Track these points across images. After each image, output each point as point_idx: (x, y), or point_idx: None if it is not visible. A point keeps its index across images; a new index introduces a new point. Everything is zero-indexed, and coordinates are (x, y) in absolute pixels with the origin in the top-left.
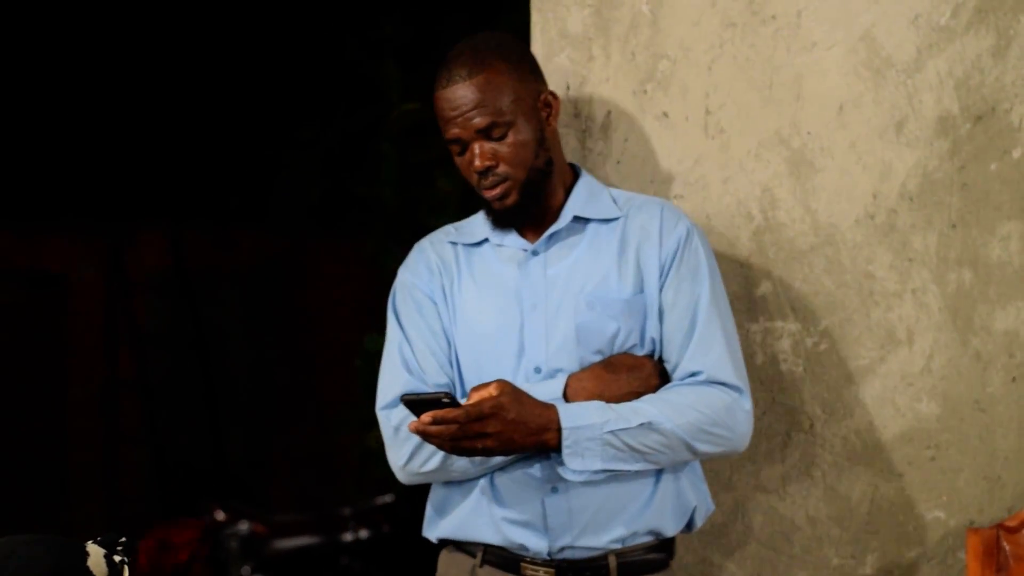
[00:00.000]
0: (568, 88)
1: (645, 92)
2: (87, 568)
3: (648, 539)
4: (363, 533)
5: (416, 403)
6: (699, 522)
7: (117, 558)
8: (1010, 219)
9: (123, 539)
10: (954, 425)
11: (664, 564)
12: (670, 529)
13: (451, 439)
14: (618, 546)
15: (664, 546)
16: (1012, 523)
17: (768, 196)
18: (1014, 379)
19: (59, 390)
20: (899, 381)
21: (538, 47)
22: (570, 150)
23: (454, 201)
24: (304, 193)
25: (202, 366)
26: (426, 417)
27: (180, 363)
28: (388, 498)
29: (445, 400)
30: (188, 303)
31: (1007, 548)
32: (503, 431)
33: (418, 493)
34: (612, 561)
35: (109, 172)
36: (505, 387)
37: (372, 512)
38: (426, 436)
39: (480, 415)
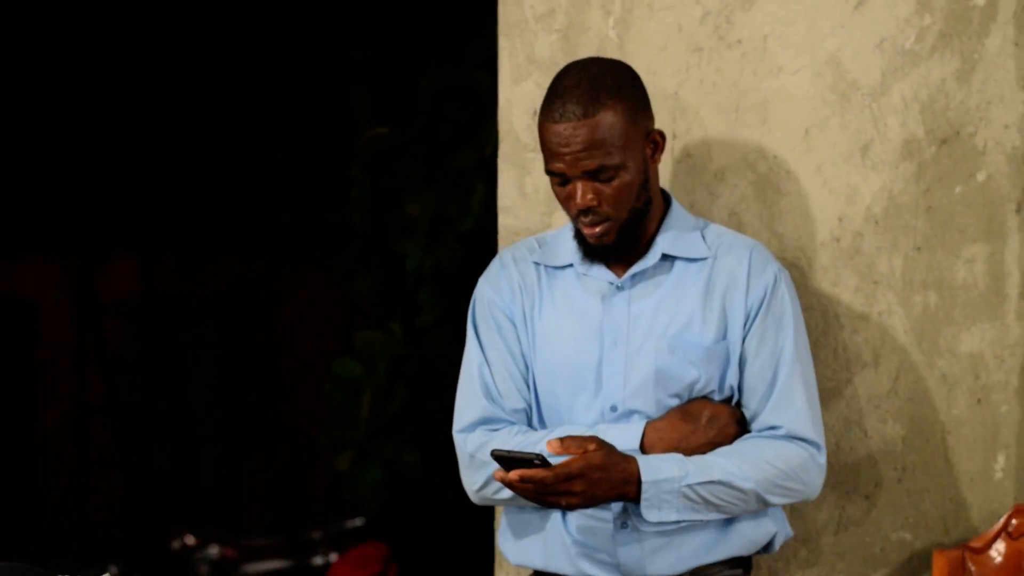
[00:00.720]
0: (536, 113)
1: None
2: None
3: (723, 561)
4: (333, 557)
5: (507, 460)
6: (777, 546)
7: None
8: (975, 242)
9: (104, 575)
10: (920, 447)
11: None
12: (746, 554)
13: (536, 494)
14: (691, 570)
15: (740, 562)
16: (977, 544)
17: (735, 220)
18: (979, 401)
19: (29, 415)
20: (865, 403)
21: (505, 72)
22: (538, 174)
23: (423, 225)
24: (275, 218)
25: (173, 391)
26: (514, 474)
27: (151, 388)
28: (358, 522)
29: (537, 462)
30: (159, 328)
31: (973, 569)
32: (587, 489)
33: (387, 518)
34: None
35: (80, 197)
36: (601, 447)
37: (342, 535)
38: (510, 487)
39: (569, 475)
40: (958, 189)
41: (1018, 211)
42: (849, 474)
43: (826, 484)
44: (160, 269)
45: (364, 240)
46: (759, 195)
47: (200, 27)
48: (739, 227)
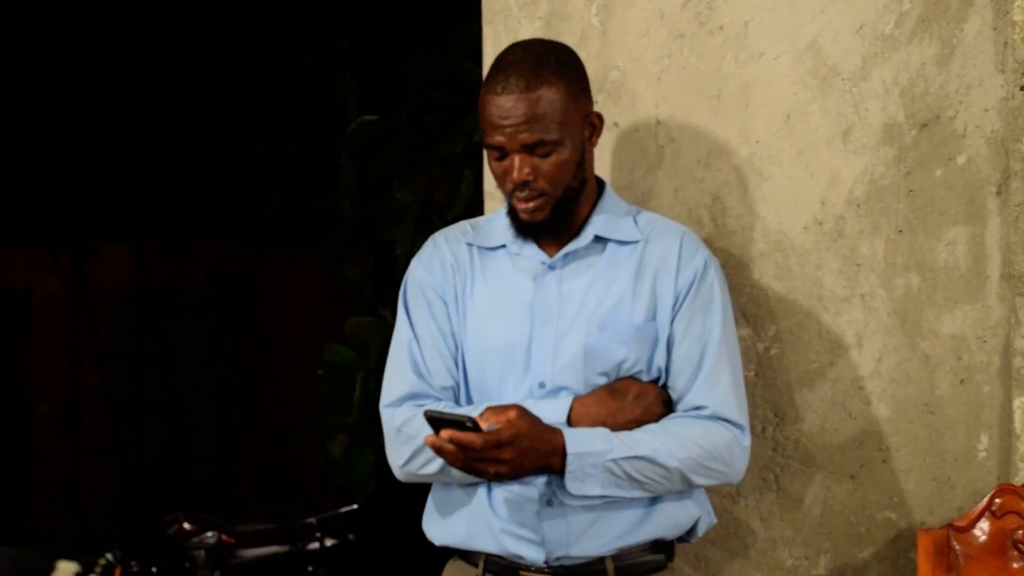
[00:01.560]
0: None
1: (596, 102)
2: None
3: (646, 542)
4: (328, 542)
5: (438, 421)
6: (700, 532)
7: None
8: (955, 224)
9: (102, 561)
10: (904, 427)
11: (663, 565)
12: (669, 536)
13: (465, 460)
14: (615, 550)
15: (663, 547)
16: (962, 523)
17: (718, 204)
18: (962, 381)
19: (23, 404)
20: (849, 384)
21: (489, 59)
22: None
23: (412, 212)
24: (262, 207)
25: (165, 379)
26: (445, 434)
27: (143, 376)
28: (352, 507)
29: (468, 425)
30: (150, 317)
31: (957, 548)
32: (516, 458)
33: (380, 503)
34: (609, 565)
35: (71, 188)
36: (524, 415)
37: (336, 521)
38: (440, 452)
39: (498, 442)
40: (939, 172)
41: (998, 193)
42: (834, 455)
43: (812, 464)
44: (151, 259)
45: (353, 227)
46: (741, 180)
47: (186, 19)
48: (722, 211)
